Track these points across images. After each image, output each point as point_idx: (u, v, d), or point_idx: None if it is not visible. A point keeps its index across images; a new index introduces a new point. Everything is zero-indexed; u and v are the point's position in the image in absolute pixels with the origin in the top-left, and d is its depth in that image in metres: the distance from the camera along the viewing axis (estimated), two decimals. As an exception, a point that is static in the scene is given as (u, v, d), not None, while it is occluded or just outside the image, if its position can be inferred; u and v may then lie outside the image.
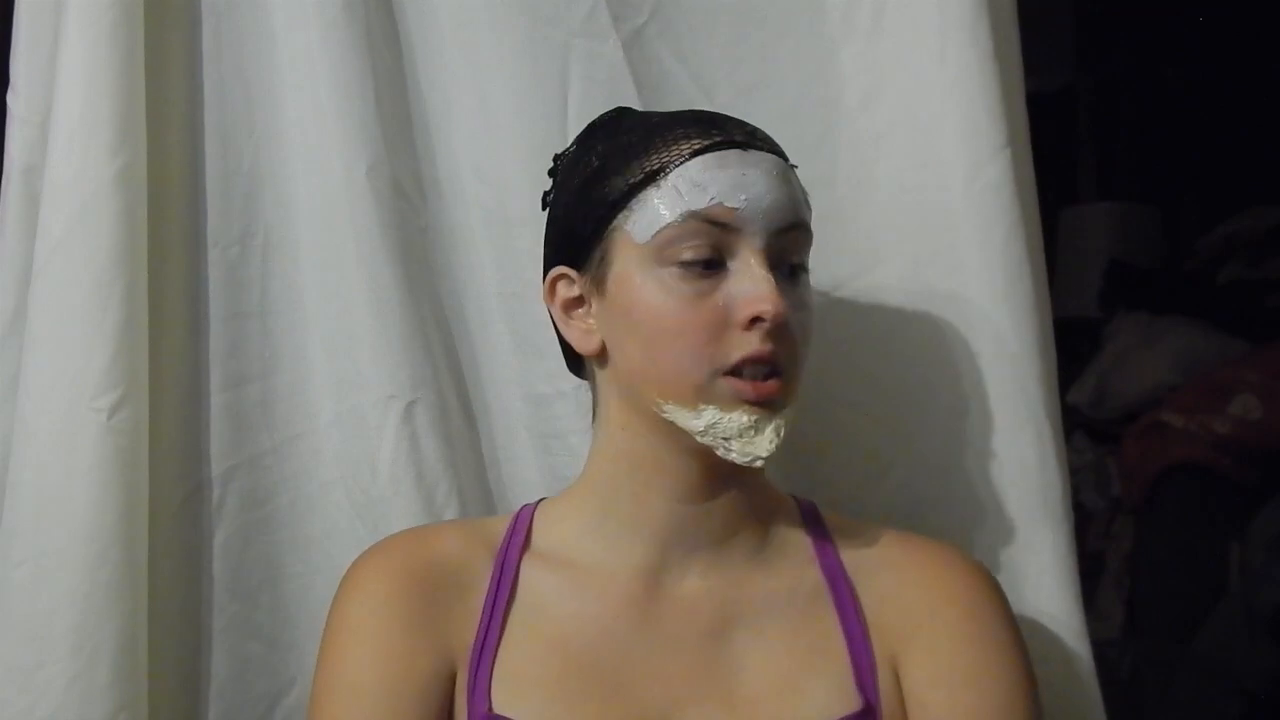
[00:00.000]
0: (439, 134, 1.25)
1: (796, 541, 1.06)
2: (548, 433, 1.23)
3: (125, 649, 1.12)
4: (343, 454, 1.22)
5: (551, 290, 1.04)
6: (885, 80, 1.23)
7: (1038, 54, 1.30)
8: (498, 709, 0.97)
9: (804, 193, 1.03)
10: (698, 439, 0.97)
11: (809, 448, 1.23)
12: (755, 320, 0.95)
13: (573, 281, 1.02)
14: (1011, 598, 1.08)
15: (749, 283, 0.96)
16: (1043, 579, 1.17)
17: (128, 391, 1.12)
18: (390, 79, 1.23)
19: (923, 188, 1.20)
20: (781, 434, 0.97)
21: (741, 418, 0.96)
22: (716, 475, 1.01)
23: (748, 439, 0.96)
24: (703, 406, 0.96)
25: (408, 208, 1.23)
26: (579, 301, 1.02)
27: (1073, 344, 1.32)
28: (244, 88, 1.23)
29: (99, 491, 1.11)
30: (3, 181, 1.19)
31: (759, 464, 0.97)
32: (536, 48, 1.22)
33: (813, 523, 1.07)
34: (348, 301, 1.21)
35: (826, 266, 1.23)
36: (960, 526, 1.22)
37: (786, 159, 1.03)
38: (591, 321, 1.02)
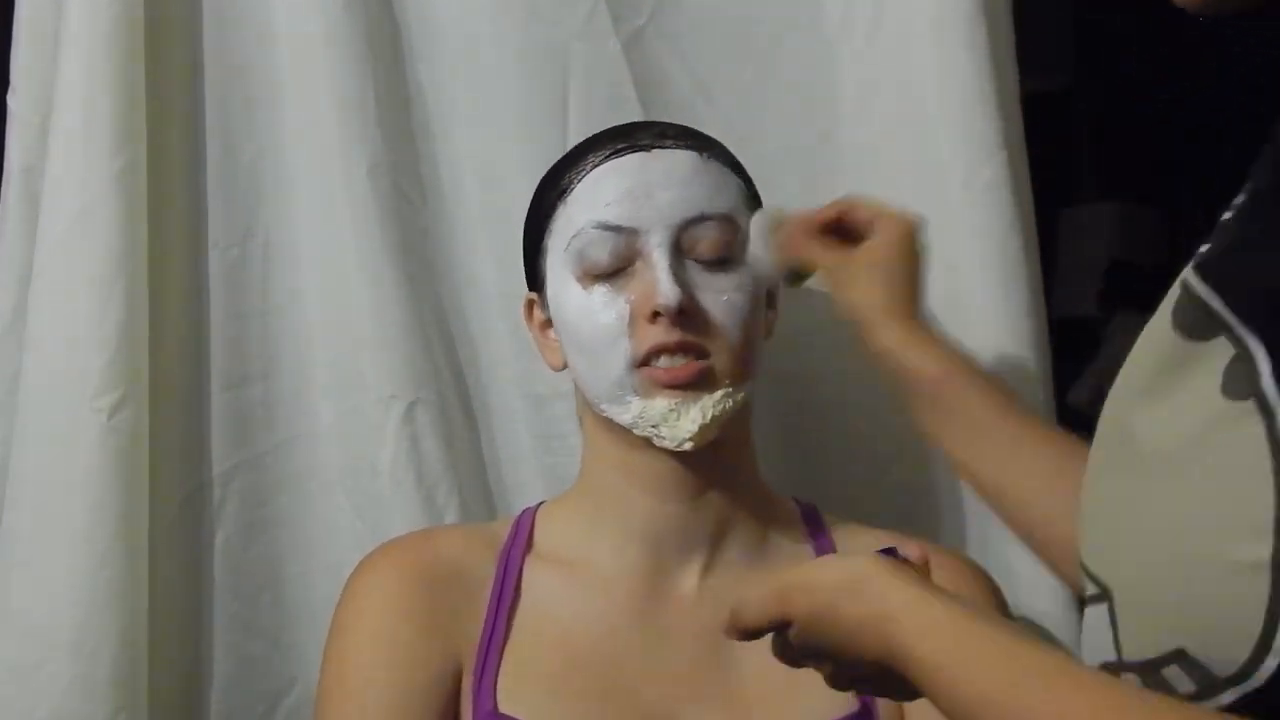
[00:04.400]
0: (439, 134, 1.25)
1: (796, 542, 1.06)
2: (548, 433, 1.23)
3: (125, 649, 1.12)
4: (343, 454, 1.22)
5: (529, 314, 1.09)
6: (883, 81, 1.23)
7: (1038, 54, 1.30)
8: (503, 708, 0.98)
9: (739, 185, 1.04)
10: (633, 431, 0.99)
11: (809, 448, 1.23)
12: (655, 314, 0.98)
13: (539, 304, 1.07)
14: (1009, 598, 1.08)
15: (648, 278, 0.99)
16: (1040, 579, 1.17)
17: (128, 391, 1.12)
18: (390, 79, 1.23)
19: (919, 188, 1.20)
20: (710, 416, 0.98)
21: (662, 403, 0.98)
22: (695, 475, 1.02)
23: (671, 423, 0.98)
24: (629, 399, 0.99)
25: (408, 208, 1.23)
26: (549, 322, 1.06)
27: (1073, 344, 1.32)
28: (244, 88, 1.23)
29: (99, 491, 1.11)
30: (3, 181, 1.19)
31: (689, 447, 0.98)
32: (536, 49, 1.22)
33: (813, 524, 1.08)
34: (348, 301, 1.21)
35: (826, 266, 1.23)
36: (959, 526, 1.22)
37: (713, 151, 1.04)
38: (554, 339, 1.06)
